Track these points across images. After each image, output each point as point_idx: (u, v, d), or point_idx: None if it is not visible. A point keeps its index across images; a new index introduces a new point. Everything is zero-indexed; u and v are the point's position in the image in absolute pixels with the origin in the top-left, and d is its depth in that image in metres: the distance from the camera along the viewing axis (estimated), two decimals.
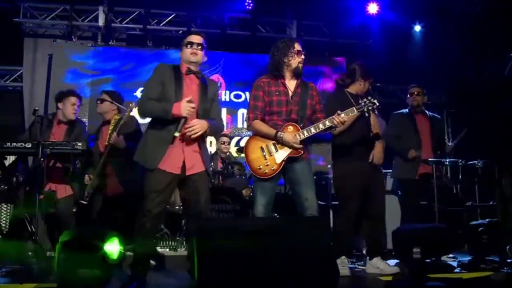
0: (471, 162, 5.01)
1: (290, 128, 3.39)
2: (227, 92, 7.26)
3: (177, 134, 3.13)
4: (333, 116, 3.31)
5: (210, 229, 2.63)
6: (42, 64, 7.05)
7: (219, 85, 6.63)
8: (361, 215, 4.03)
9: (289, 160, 3.38)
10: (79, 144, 4.19)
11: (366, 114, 3.34)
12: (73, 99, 4.50)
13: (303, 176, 3.41)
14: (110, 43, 7.20)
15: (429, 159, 4.63)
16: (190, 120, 3.17)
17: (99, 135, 4.63)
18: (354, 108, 3.34)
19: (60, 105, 4.54)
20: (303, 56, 3.44)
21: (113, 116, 4.57)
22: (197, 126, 3.15)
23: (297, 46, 3.46)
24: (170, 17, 7.23)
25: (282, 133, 3.35)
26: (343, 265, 3.88)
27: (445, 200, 4.86)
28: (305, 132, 3.35)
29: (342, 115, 3.30)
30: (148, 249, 3.19)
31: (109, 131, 4.46)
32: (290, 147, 3.36)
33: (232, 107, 7.23)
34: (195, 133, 3.15)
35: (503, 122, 5.90)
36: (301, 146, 3.34)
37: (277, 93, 3.45)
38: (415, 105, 4.91)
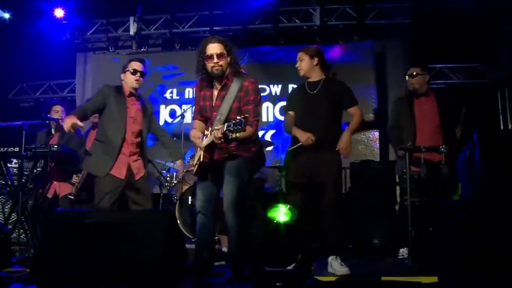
0: None
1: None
2: None
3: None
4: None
5: (57, 221, 2.79)
6: (90, 75, 7.84)
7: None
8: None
9: (223, 156, 3.37)
10: (55, 146, 4.67)
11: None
12: (56, 108, 5.13)
13: (228, 171, 3.36)
14: (142, 49, 7.69)
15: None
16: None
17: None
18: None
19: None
20: (215, 60, 3.26)
21: None
22: None
23: (209, 49, 3.30)
24: (194, 19, 7.45)
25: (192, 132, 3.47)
26: None
27: (443, 194, 4.26)
28: (205, 140, 3.32)
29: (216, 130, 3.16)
30: None
31: None
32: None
33: None
34: None
35: None
36: (200, 145, 3.34)
37: (204, 98, 3.46)
38: (412, 89, 4.46)
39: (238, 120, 3.01)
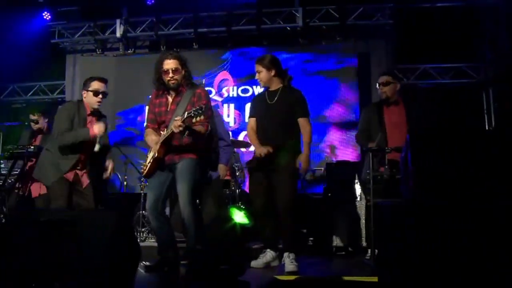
0: None
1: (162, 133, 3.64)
2: (235, 87, 7.33)
3: (97, 147, 3.82)
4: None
5: (15, 219, 2.88)
6: (80, 77, 7.95)
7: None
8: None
9: (173, 160, 3.59)
10: (33, 147, 4.80)
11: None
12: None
13: (179, 173, 3.60)
14: (129, 51, 7.81)
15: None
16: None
17: None
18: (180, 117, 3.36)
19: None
20: (171, 74, 3.53)
21: None
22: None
23: (165, 65, 3.54)
24: (179, 21, 7.54)
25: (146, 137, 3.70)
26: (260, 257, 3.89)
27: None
28: (162, 135, 3.56)
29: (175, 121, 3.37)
30: None
31: None
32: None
33: (240, 102, 7.27)
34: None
35: None
36: (155, 146, 3.54)
37: (159, 104, 3.68)
38: (384, 98, 4.36)
39: (198, 107, 3.29)
